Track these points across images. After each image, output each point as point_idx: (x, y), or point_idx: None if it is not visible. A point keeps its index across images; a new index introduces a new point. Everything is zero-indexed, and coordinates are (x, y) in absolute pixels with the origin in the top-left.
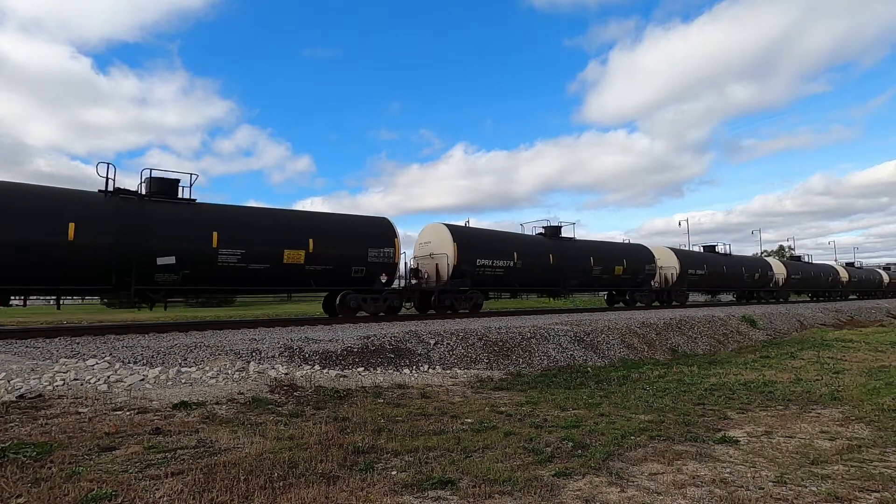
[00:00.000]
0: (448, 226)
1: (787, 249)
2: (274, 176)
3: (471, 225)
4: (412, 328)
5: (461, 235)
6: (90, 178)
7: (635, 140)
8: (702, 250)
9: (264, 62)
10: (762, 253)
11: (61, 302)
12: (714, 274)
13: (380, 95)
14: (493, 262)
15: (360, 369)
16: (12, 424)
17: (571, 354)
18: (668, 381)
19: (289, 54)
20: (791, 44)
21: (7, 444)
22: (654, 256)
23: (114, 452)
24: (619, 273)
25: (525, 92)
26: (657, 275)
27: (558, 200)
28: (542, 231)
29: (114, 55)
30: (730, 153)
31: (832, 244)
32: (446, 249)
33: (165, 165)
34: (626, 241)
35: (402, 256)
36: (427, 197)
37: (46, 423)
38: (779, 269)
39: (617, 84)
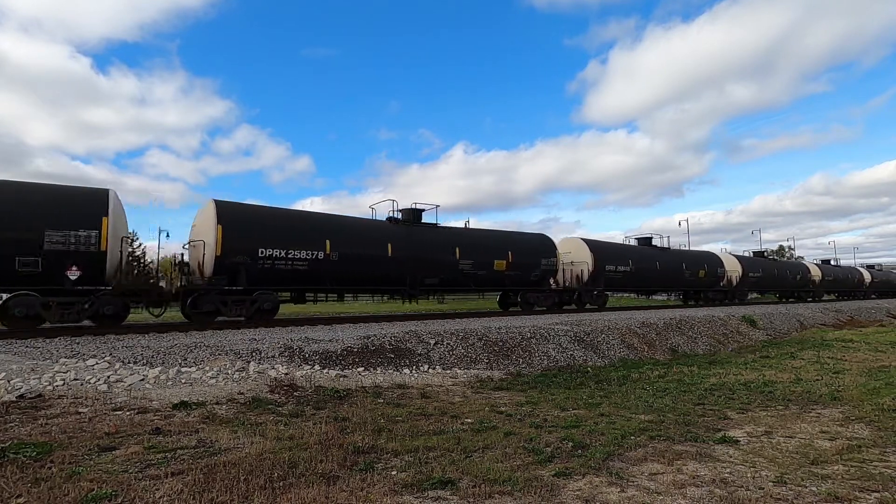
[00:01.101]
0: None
1: (787, 249)
2: (273, 176)
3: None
4: (412, 328)
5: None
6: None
7: (635, 140)
8: (636, 243)
9: (263, 62)
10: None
11: None
12: (643, 270)
13: (379, 95)
14: (288, 254)
15: (360, 369)
16: (12, 424)
17: (571, 354)
18: (668, 381)
19: (288, 54)
20: (791, 43)
21: (7, 444)
22: (555, 249)
23: (114, 452)
24: (503, 269)
25: (525, 92)
26: (560, 271)
27: (558, 200)
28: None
29: (113, 55)
30: (730, 153)
31: (832, 244)
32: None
33: (165, 165)
34: (518, 231)
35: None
36: (427, 197)
37: (46, 423)
38: (732, 266)
39: (617, 84)
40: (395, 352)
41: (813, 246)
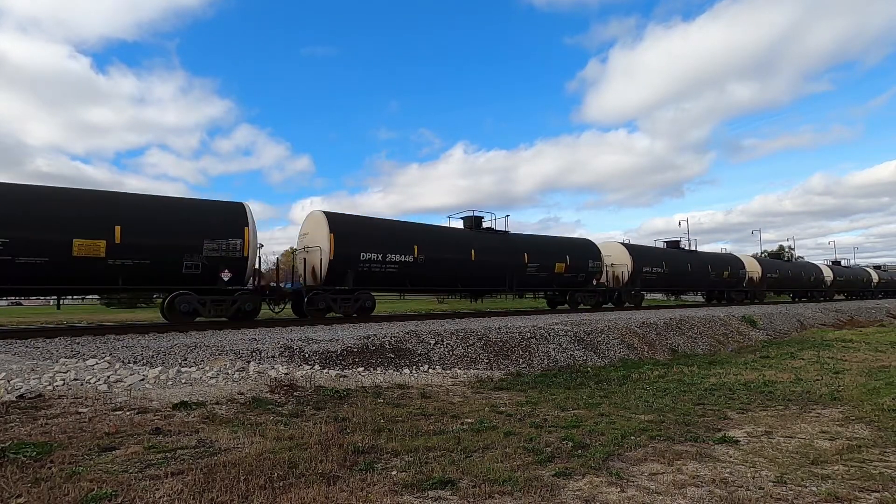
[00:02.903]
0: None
1: (787, 249)
2: (273, 175)
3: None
4: (412, 328)
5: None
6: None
7: (635, 140)
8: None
9: (263, 61)
10: (762, 253)
11: (61, 302)
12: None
13: (379, 94)
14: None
15: (360, 369)
16: (12, 424)
17: (571, 354)
18: (668, 381)
19: (287, 53)
20: (792, 43)
21: (7, 444)
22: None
23: (114, 452)
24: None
25: (525, 91)
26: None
27: (558, 200)
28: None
29: (112, 54)
30: (730, 153)
31: (832, 244)
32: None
33: (165, 165)
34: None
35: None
36: (426, 196)
37: (46, 423)
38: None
39: (617, 83)
40: (395, 352)
41: (813, 246)
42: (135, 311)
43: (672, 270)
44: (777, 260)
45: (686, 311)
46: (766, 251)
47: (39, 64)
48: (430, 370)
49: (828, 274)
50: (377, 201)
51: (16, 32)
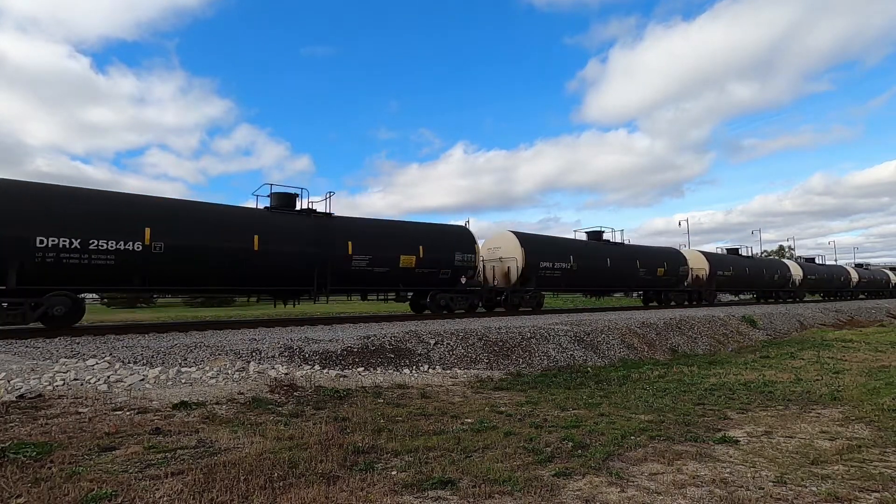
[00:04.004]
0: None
1: (787, 249)
2: (273, 175)
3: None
4: (412, 328)
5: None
6: (91, 179)
7: (635, 140)
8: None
9: (262, 61)
10: (763, 253)
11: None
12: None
13: (379, 94)
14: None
15: (360, 369)
16: (12, 424)
17: (571, 354)
18: (668, 381)
19: (287, 53)
20: (793, 42)
21: (7, 444)
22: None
23: (114, 452)
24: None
25: (525, 91)
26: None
27: (558, 200)
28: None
29: (112, 54)
30: (730, 153)
31: (832, 244)
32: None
33: (165, 165)
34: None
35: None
36: (426, 196)
37: (46, 423)
38: (796, 271)
39: (617, 83)
40: (395, 352)
41: (813, 246)
42: (135, 311)
43: (583, 266)
44: (734, 255)
45: (686, 311)
46: (766, 251)
47: (39, 64)
48: (430, 370)
49: (796, 272)
50: (377, 201)
51: (15, 32)
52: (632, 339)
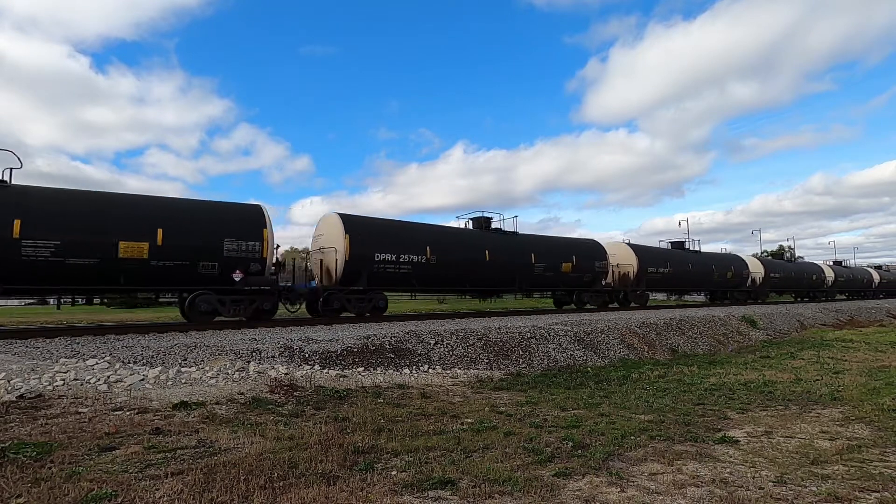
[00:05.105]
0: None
1: (787, 249)
2: (273, 175)
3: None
4: (412, 328)
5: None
6: (90, 179)
7: (636, 139)
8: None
9: (262, 61)
10: (762, 253)
11: (61, 302)
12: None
13: (378, 94)
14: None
15: (360, 369)
16: (12, 424)
17: (571, 354)
18: (668, 381)
19: (286, 53)
20: (794, 42)
21: (7, 444)
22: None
23: (114, 452)
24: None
25: (525, 91)
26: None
27: (558, 200)
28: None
29: (111, 53)
30: (730, 153)
31: (832, 244)
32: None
33: (165, 165)
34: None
35: None
36: (426, 196)
37: (46, 423)
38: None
39: (617, 82)
40: (395, 352)
41: (813, 246)
42: (135, 311)
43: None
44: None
45: (686, 311)
46: (766, 251)
47: (38, 63)
48: (430, 370)
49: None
50: (377, 201)
51: (14, 32)
52: (632, 339)
